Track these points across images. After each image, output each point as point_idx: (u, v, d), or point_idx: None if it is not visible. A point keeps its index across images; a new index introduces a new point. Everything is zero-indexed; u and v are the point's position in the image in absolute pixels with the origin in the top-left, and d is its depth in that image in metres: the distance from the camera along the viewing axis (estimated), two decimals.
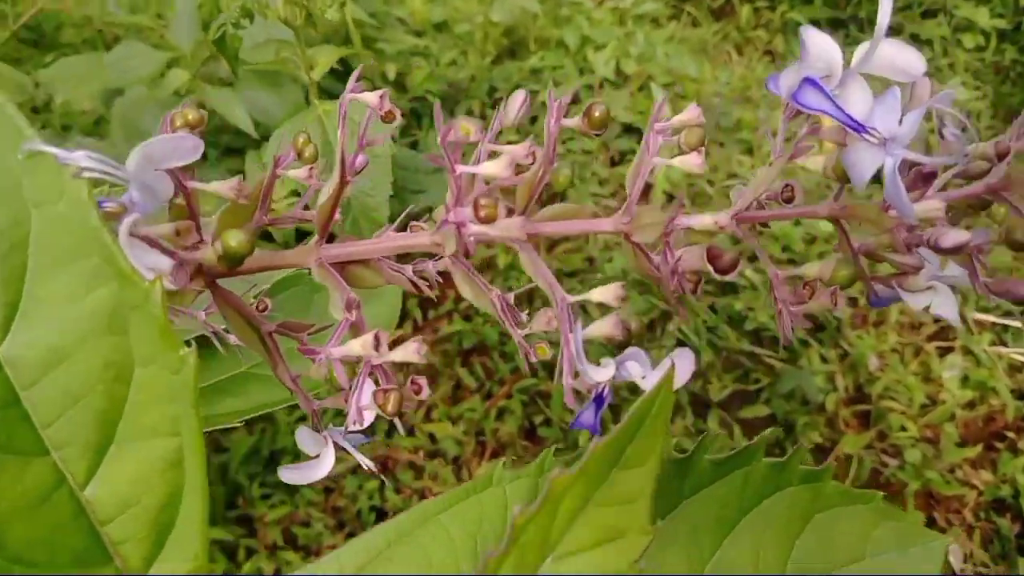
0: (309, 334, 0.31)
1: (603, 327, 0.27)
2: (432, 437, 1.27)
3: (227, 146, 1.32)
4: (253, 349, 0.30)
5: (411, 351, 0.27)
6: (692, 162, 0.28)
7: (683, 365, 0.28)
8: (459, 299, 1.41)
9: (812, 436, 1.25)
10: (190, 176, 0.28)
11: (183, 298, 0.29)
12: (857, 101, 0.25)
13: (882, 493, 0.36)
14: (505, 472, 0.34)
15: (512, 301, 0.29)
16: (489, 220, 0.27)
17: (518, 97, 0.30)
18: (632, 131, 1.54)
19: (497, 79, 1.54)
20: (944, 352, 1.34)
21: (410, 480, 1.21)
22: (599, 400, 0.29)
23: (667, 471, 0.36)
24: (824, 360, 1.32)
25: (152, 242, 0.26)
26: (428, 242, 0.29)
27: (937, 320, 1.39)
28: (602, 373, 0.28)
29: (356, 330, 0.28)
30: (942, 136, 0.28)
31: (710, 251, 0.27)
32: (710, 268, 0.27)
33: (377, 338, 0.26)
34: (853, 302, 1.38)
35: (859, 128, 0.24)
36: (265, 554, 1.15)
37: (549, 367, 1.30)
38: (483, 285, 0.29)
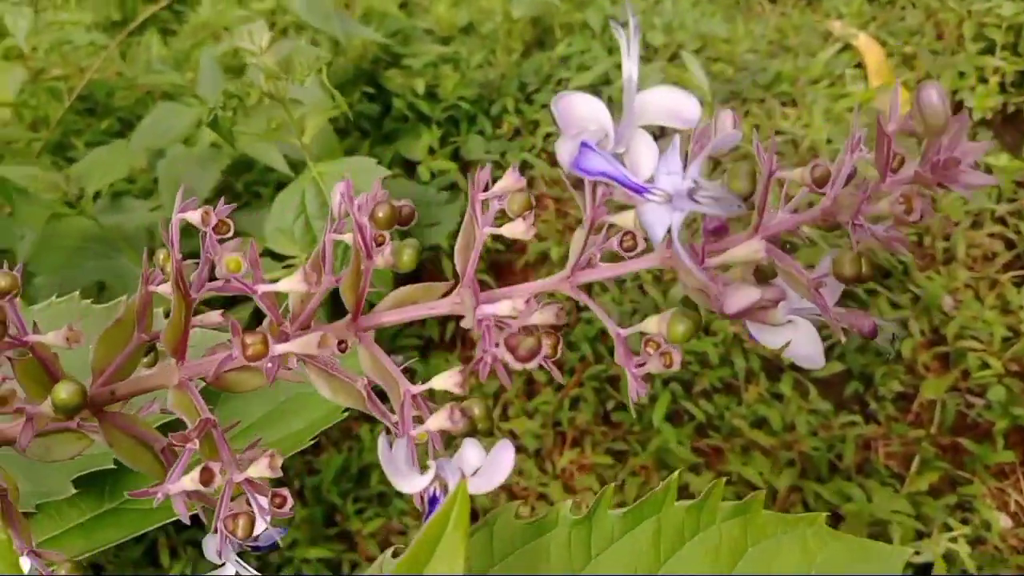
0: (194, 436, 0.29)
1: (437, 420, 0.26)
2: (512, 434, 1.29)
3: (279, 182, 1.37)
4: (144, 470, 0.30)
5: (262, 467, 0.27)
6: (518, 229, 0.27)
7: (502, 459, 0.26)
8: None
9: (892, 386, 1.23)
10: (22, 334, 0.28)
11: (66, 442, 0.30)
12: (642, 158, 0.24)
13: (825, 514, 0.34)
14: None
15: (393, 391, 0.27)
16: (256, 358, 0.26)
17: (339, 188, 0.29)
18: None
19: (527, 73, 1.54)
20: (1021, 282, 1.29)
21: None
22: (433, 501, 0.27)
23: (567, 535, 0.35)
24: (895, 306, 1.29)
25: None
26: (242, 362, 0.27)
27: (1011, 247, 1.34)
28: (416, 483, 0.26)
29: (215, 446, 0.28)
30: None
31: (507, 341, 0.26)
32: (509, 359, 0.26)
33: (208, 471, 0.26)
34: (919, 243, 1.33)
35: (639, 190, 0.23)
36: (367, 566, 1.19)
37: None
38: (346, 378, 0.28)
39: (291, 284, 0.27)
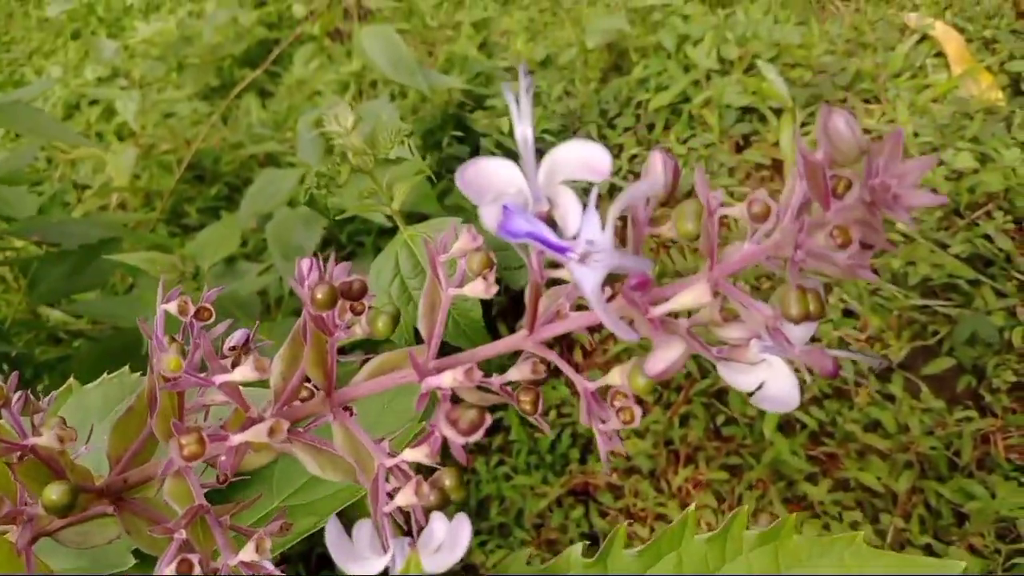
0: (233, 513, 0.29)
1: (405, 495, 0.25)
2: (625, 456, 1.31)
3: (380, 228, 1.43)
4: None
5: (251, 551, 0.27)
6: (478, 289, 0.27)
7: (459, 534, 0.25)
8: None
9: (1006, 376, 1.20)
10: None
11: (103, 527, 0.30)
12: (569, 215, 0.24)
13: (862, 533, 0.32)
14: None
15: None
16: (193, 458, 0.26)
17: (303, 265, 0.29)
18: (750, 111, 1.53)
19: (607, 99, 1.57)
20: None
21: (611, 501, 1.26)
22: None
23: None
24: (1001, 295, 1.26)
25: None
26: (261, 437, 0.27)
27: None
28: (372, 566, 0.25)
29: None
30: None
31: (448, 415, 0.25)
32: (451, 434, 0.25)
33: (186, 562, 0.26)
34: (1020, 230, 1.30)
35: (560, 249, 0.22)
36: None
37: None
38: (333, 450, 0.28)
39: (244, 372, 0.26)
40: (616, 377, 0.26)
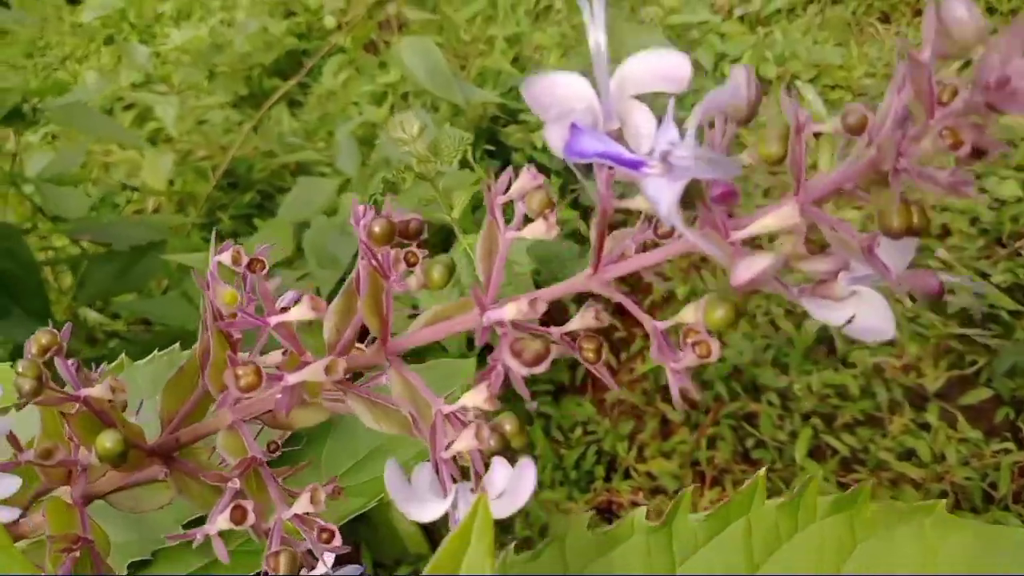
0: (285, 477, 0.30)
1: (465, 439, 0.25)
2: (650, 475, 1.31)
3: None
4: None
5: (305, 502, 0.27)
6: (539, 230, 0.26)
7: (524, 479, 0.24)
8: (648, 336, 1.45)
9: None
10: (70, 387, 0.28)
11: (155, 492, 0.31)
12: (642, 131, 0.23)
13: (945, 501, 0.30)
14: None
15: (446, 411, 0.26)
16: (249, 389, 0.25)
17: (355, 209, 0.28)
18: None
19: None
20: None
21: None
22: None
23: (644, 544, 0.32)
24: None
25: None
26: (318, 376, 0.26)
27: None
28: (432, 511, 0.25)
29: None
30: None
31: (512, 346, 0.24)
32: (515, 364, 0.24)
33: (240, 509, 0.27)
34: None
35: (634, 165, 0.21)
36: None
37: (753, 387, 1.32)
38: (390, 404, 0.27)
39: (300, 313, 0.26)
40: (690, 314, 0.24)
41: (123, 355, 0.44)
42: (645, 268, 0.26)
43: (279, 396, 0.26)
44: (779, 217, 0.23)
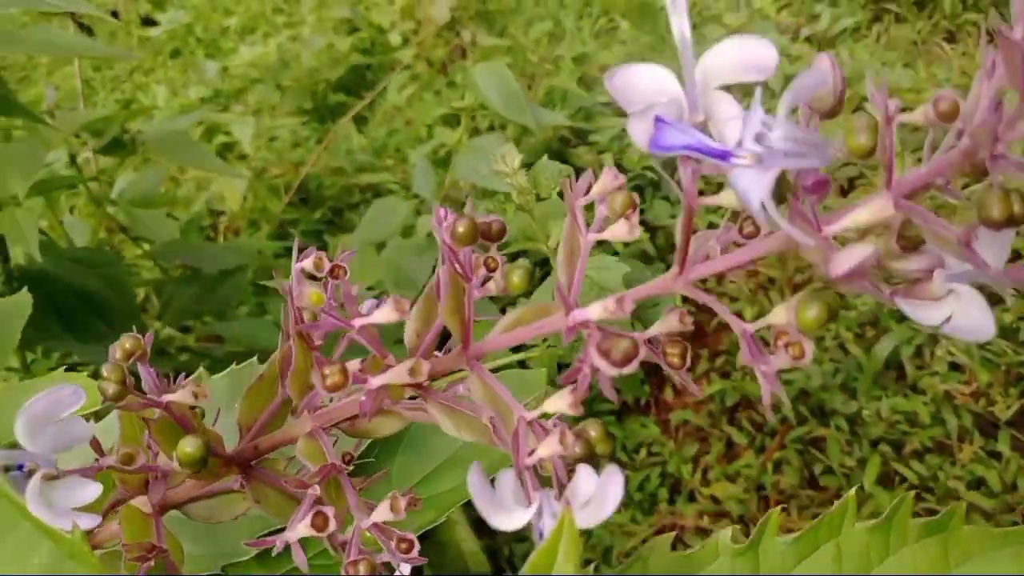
0: (360, 489, 0.30)
1: (549, 445, 0.24)
2: (714, 499, 1.33)
3: None
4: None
5: (385, 511, 0.27)
6: (621, 231, 0.26)
7: (611, 488, 0.23)
8: (713, 357, 1.47)
9: None
10: (160, 388, 0.29)
11: (230, 503, 0.32)
12: (728, 122, 0.22)
13: None
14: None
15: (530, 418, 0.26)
16: (335, 388, 0.25)
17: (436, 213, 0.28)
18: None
19: None
20: None
21: (699, 544, 1.28)
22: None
23: (729, 565, 0.32)
24: None
25: (86, 475, 0.28)
26: (401, 378, 0.26)
27: None
28: (516, 519, 0.24)
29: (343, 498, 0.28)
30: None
31: (600, 346, 0.24)
32: (604, 364, 0.24)
33: (321, 515, 0.27)
34: None
35: (723, 155, 0.20)
36: None
37: (820, 412, 1.33)
38: (470, 411, 0.27)
39: (385, 315, 0.25)
40: (780, 315, 0.23)
41: (201, 368, 0.45)
42: (731, 268, 0.25)
43: (362, 399, 0.26)
44: (872, 211, 0.22)
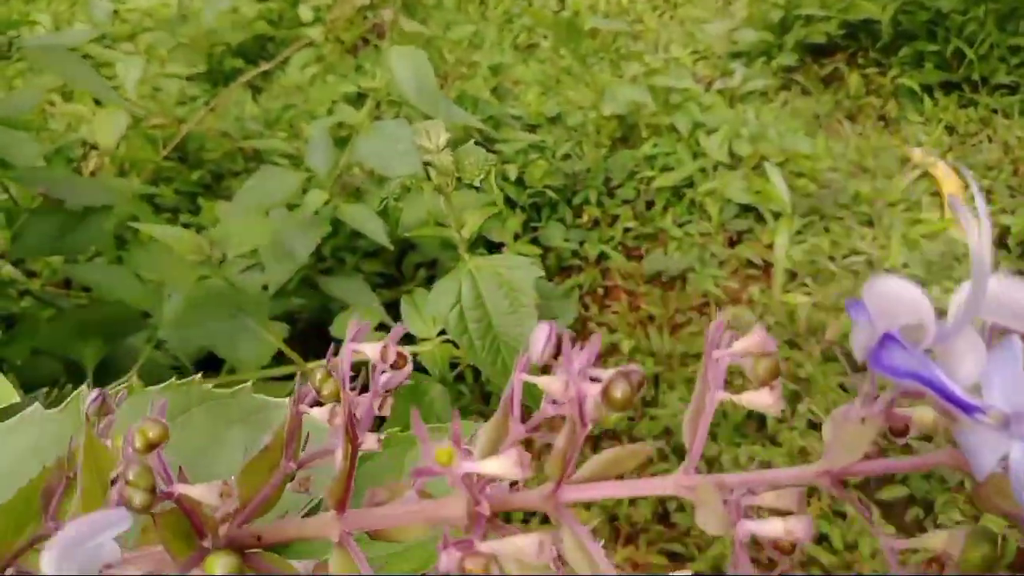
0: None
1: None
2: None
3: (364, 251, 1.46)
4: None
5: None
6: (763, 402, 0.23)
7: None
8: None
9: (952, 515, 1.27)
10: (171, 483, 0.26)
11: None
12: (964, 363, 0.21)
13: None
14: None
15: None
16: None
17: (541, 333, 0.24)
18: (749, 210, 1.61)
19: (612, 168, 1.64)
20: None
21: None
22: None
23: None
24: None
25: None
26: (457, 514, 0.24)
27: None
28: None
29: None
30: None
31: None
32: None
33: None
34: None
35: (967, 408, 0.19)
36: None
37: (679, 452, 1.37)
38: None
39: (501, 467, 0.22)
40: (939, 542, 0.22)
41: (134, 378, 0.41)
42: (896, 469, 0.24)
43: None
44: None
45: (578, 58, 1.60)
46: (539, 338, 0.23)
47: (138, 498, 0.23)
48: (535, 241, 1.55)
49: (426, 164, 0.68)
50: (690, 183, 1.61)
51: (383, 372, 0.27)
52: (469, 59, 1.86)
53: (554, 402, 0.24)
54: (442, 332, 0.71)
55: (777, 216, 1.57)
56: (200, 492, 0.24)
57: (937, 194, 1.66)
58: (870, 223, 1.60)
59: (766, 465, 1.33)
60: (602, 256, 1.57)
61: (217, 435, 0.33)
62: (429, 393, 0.66)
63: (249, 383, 0.35)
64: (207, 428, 0.31)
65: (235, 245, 0.86)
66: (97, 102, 1.87)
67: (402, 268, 1.51)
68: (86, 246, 1.04)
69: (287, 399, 0.30)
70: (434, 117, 1.36)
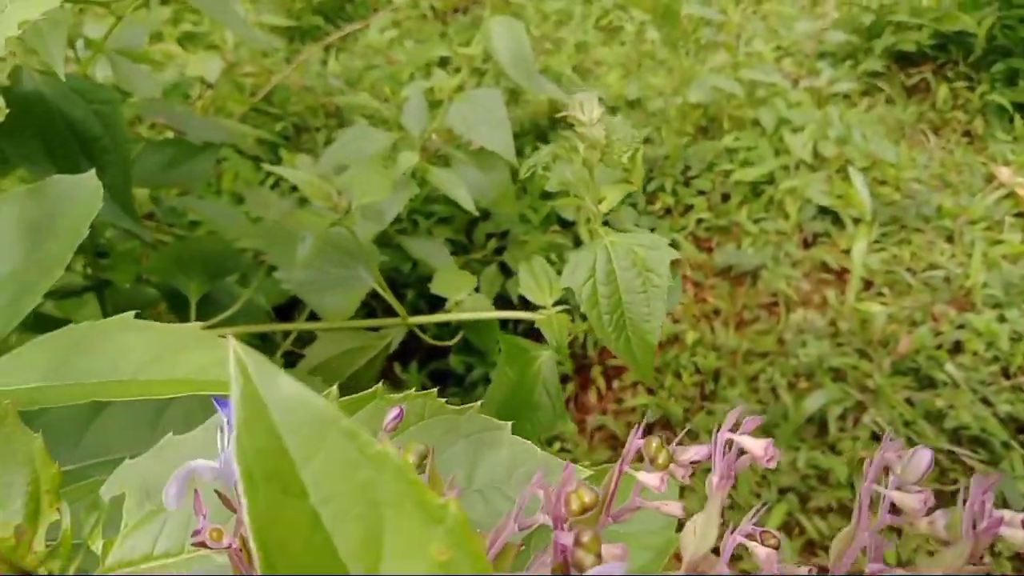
0: None
1: None
2: None
3: (439, 216, 1.48)
4: None
5: None
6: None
7: None
8: None
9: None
10: None
11: None
12: None
13: None
14: None
15: None
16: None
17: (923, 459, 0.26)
18: (827, 212, 1.60)
19: (691, 157, 1.64)
20: None
21: None
22: None
23: None
24: None
25: None
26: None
27: None
28: None
29: None
30: None
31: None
32: None
33: None
34: None
35: None
36: None
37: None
38: None
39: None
40: None
41: (379, 385, 0.39)
42: None
43: None
44: None
45: (669, 43, 1.60)
46: None
47: (588, 561, 0.23)
48: (605, 223, 1.56)
49: (572, 135, 0.69)
50: (770, 180, 1.61)
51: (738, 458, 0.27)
52: (555, 35, 1.86)
53: None
54: (559, 302, 0.72)
55: (857, 222, 1.57)
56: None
57: (1021, 215, 1.64)
58: (950, 239, 1.59)
59: (824, 473, 1.33)
60: (672, 245, 1.57)
61: (444, 447, 0.34)
62: (539, 360, 0.67)
63: (477, 404, 0.36)
64: (438, 439, 0.32)
65: (358, 195, 0.87)
66: (182, 45, 1.91)
67: (472, 236, 1.53)
68: (196, 182, 1.07)
69: (507, 423, 0.32)
70: (527, 88, 1.37)
